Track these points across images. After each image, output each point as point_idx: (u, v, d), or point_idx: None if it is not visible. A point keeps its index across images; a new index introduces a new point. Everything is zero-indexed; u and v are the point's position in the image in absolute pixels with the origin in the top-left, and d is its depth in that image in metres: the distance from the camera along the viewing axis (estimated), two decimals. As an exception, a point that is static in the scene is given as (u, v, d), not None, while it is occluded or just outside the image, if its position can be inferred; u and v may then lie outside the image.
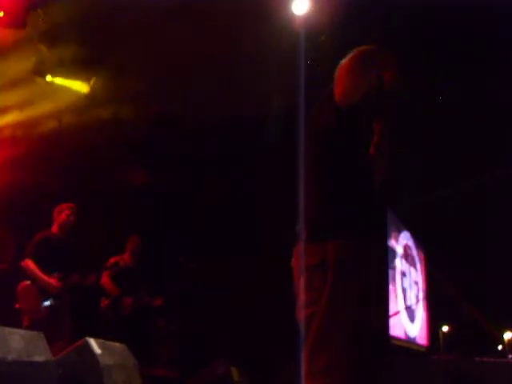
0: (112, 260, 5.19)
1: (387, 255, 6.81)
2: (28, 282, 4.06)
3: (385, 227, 6.67)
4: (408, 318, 7.74)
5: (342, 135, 1.99)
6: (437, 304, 8.97)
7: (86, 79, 5.83)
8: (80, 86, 5.86)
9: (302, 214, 2.07)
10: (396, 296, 7.15)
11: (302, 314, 1.93)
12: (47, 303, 4.06)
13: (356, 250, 1.87)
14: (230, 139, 6.32)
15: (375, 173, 2.13)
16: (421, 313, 8.57)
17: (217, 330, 6.17)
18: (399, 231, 7.79)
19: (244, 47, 5.09)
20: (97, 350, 2.79)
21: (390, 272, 6.94)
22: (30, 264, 4.08)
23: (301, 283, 1.95)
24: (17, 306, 4.06)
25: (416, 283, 8.53)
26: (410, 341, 7.69)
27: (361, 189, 1.99)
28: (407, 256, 8.11)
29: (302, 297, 1.94)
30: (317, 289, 1.86)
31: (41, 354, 2.39)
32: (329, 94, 2.00)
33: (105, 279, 5.02)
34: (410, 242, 8.36)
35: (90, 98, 5.82)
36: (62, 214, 4.37)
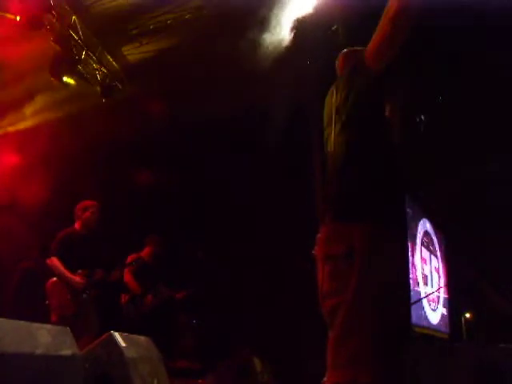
0: (131, 257, 5.25)
1: (408, 243, 6.75)
2: (56, 279, 4.15)
3: (404, 214, 6.61)
4: (429, 305, 7.69)
5: (369, 110, 1.98)
6: (458, 291, 8.87)
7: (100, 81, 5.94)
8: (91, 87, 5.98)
9: (327, 193, 2.03)
10: (417, 283, 7.10)
11: (325, 304, 1.88)
12: (84, 295, 4.19)
13: (382, 239, 1.83)
14: (242, 134, 6.32)
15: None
16: (442, 300, 8.50)
17: (240, 322, 6.21)
18: (418, 218, 7.72)
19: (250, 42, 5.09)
20: (122, 343, 2.84)
21: (411, 259, 6.89)
22: (55, 262, 4.17)
23: (324, 272, 1.90)
24: (46, 302, 4.16)
25: (437, 270, 8.46)
26: (431, 328, 7.64)
27: (387, 173, 1.96)
28: (427, 243, 8.04)
29: (325, 286, 1.89)
30: (341, 278, 1.82)
31: (67, 348, 2.44)
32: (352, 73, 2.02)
33: (128, 277, 5.09)
34: (430, 229, 8.28)
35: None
36: (87, 212, 4.45)
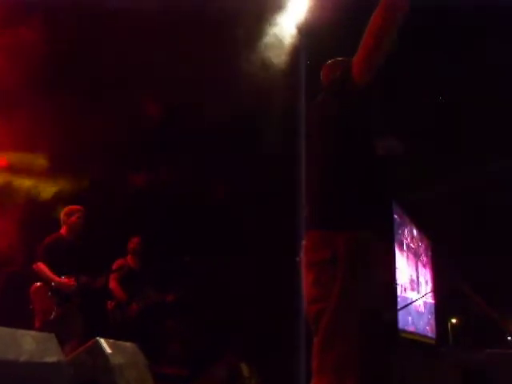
0: (117, 263, 5.21)
1: (394, 248, 6.80)
2: (40, 284, 4.10)
3: (391, 220, 6.66)
4: (416, 310, 7.73)
5: (356, 120, 1.99)
6: (445, 296, 8.95)
7: None
8: None
9: (311, 201, 2.04)
10: (404, 289, 7.14)
11: (310, 310, 1.90)
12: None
13: (367, 244, 1.85)
14: (232, 140, 6.32)
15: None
16: (429, 305, 8.56)
17: (227, 328, 6.19)
18: (406, 225, 7.77)
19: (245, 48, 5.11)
20: (107, 349, 2.81)
21: (398, 265, 6.93)
22: (42, 267, 4.12)
23: (309, 278, 1.92)
24: (30, 307, 4.10)
25: (423, 276, 8.52)
26: (418, 334, 7.68)
27: (374, 179, 1.97)
28: (413, 249, 8.09)
29: (310, 292, 1.91)
30: (326, 284, 1.83)
31: (52, 354, 2.41)
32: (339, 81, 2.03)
33: (113, 284, 5.04)
34: (417, 236, 8.34)
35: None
36: (73, 217, 4.40)
